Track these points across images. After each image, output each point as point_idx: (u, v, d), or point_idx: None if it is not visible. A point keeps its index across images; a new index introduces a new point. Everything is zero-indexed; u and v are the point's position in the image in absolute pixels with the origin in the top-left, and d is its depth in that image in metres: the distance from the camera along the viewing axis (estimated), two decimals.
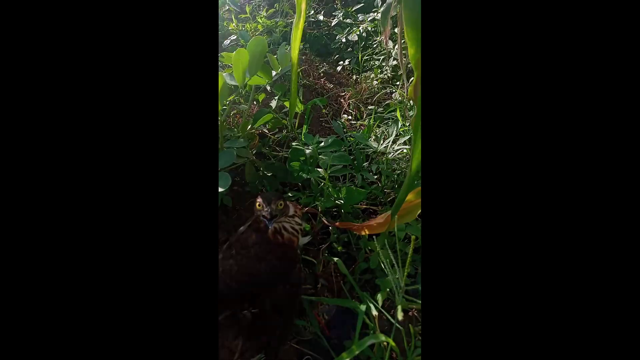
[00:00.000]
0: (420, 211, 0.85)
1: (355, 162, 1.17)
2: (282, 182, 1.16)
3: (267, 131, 1.28)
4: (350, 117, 1.55)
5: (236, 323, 0.78)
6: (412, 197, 0.83)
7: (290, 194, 1.07)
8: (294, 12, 2.08)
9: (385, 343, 0.73)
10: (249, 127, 0.98)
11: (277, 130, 1.29)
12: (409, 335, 0.75)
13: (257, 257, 0.73)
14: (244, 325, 0.76)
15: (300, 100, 1.13)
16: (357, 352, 0.62)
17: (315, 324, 0.79)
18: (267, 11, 1.77)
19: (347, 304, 0.77)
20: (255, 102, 1.28)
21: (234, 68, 0.77)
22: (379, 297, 0.85)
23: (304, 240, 0.81)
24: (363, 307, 0.76)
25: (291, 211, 0.79)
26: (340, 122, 1.48)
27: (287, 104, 1.11)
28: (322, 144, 1.00)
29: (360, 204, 1.18)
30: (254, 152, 1.20)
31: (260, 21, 1.70)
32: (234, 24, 1.63)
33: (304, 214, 1.02)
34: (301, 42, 1.96)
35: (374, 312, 0.81)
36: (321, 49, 2.08)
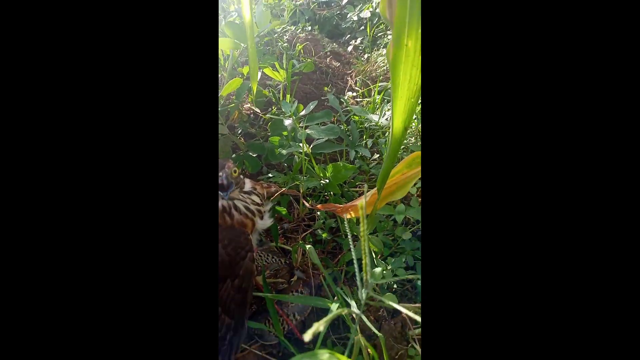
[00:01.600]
0: (413, 185, 0.66)
1: (350, 138, 0.99)
2: (268, 163, 1.01)
3: (257, 110, 1.14)
4: (355, 95, 1.36)
5: None
6: (403, 168, 0.64)
7: (270, 175, 0.91)
8: None
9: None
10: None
11: (269, 108, 1.14)
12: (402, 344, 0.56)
13: None
14: None
15: (282, 67, 0.97)
16: None
17: (279, 327, 0.63)
18: None
19: (313, 303, 0.59)
20: (241, 76, 1.14)
21: None
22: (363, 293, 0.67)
23: (264, 224, 0.65)
24: (334, 307, 0.58)
25: (247, 186, 0.63)
26: (344, 99, 1.30)
27: (267, 71, 0.96)
28: (303, 112, 0.83)
29: (359, 186, 1.00)
30: (240, 131, 1.07)
31: (264, 1, 1.57)
32: (234, 5, 1.52)
33: (283, 195, 0.86)
34: (309, 23, 1.82)
35: (356, 311, 0.63)
36: (332, 30, 1.91)
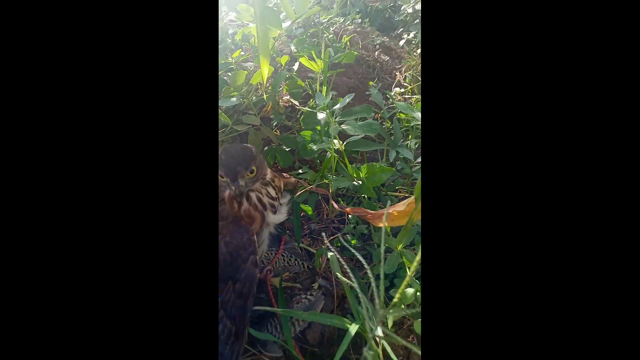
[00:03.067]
0: None
1: (392, 137, 0.88)
2: (302, 158, 0.95)
3: (295, 102, 1.09)
4: (403, 91, 1.25)
5: None
6: None
7: (301, 171, 0.85)
8: None
9: None
10: (241, 87, 0.79)
11: (308, 101, 1.08)
12: None
13: None
14: None
15: (320, 57, 0.89)
16: None
17: (292, 344, 0.56)
18: None
19: (329, 322, 0.51)
20: (280, 66, 1.09)
21: None
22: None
23: (277, 218, 0.58)
24: (353, 328, 0.50)
25: (268, 176, 0.57)
26: (390, 94, 1.19)
27: (303, 60, 0.89)
28: (338, 105, 0.75)
29: (399, 191, 0.89)
30: (275, 124, 1.02)
31: None
32: None
33: (311, 193, 0.79)
34: (359, 15, 1.72)
35: (380, 333, 0.54)
36: (384, 24, 1.79)
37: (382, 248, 0.49)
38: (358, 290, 0.53)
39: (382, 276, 0.48)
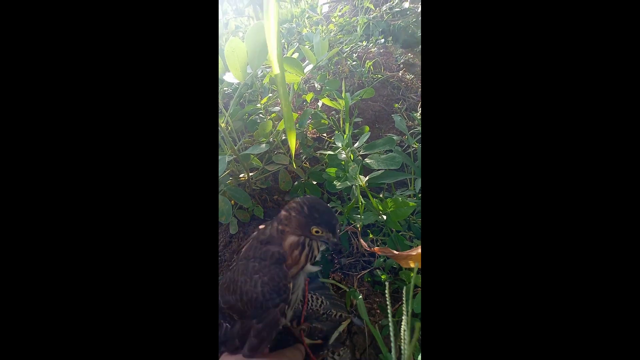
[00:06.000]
0: None
1: (417, 164, 0.86)
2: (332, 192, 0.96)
3: (325, 135, 1.11)
4: None
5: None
6: None
7: (330, 205, 0.86)
8: (376, 7, 1.83)
9: None
10: (268, 130, 0.82)
11: (332, 133, 1.09)
12: None
13: (244, 273, 0.55)
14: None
15: (340, 97, 0.90)
16: None
17: None
18: (341, 10, 1.59)
19: None
20: (305, 103, 1.12)
21: (228, 63, 0.63)
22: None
23: (313, 268, 0.59)
24: None
25: None
26: (414, 115, 1.16)
27: (324, 101, 0.90)
28: (357, 144, 0.75)
29: None
30: (304, 157, 1.04)
31: (335, 20, 1.53)
32: (306, 29, 1.52)
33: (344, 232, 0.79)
34: (382, 36, 1.71)
35: None
36: (408, 40, 1.75)
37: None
38: (381, 342, 0.52)
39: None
